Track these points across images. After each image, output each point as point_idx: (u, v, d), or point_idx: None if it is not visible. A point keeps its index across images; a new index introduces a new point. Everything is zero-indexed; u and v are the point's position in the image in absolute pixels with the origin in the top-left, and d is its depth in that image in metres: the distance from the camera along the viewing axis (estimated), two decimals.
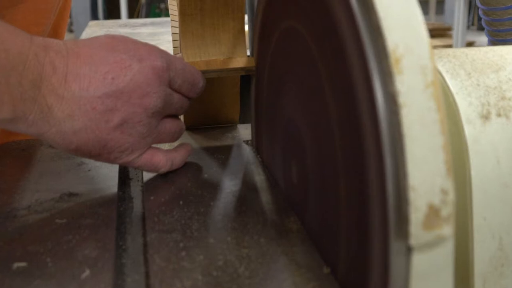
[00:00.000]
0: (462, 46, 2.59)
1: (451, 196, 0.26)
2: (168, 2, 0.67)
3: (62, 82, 0.42)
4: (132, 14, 5.15)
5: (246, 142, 0.61)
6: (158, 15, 4.71)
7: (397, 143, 0.27)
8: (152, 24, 1.61)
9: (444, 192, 0.26)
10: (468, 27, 3.57)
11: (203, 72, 0.54)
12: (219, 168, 0.54)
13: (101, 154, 0.46)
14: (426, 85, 0.27)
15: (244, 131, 0.65)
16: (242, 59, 0.57)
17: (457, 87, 0.38)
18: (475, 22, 4.01)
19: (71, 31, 4.88)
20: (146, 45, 0.47)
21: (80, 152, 0.45)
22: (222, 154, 0.57)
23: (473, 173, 0.36)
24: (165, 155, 0.50)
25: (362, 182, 0.30)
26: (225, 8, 0.56)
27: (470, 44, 3.00)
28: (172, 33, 0.67)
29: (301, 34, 0.40)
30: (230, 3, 0.56)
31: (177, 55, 0.56)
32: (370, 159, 0.29)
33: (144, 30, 1.47)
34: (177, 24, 0.64)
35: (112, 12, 4.93)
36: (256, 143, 0.58)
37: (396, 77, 0.27)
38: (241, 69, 0.56)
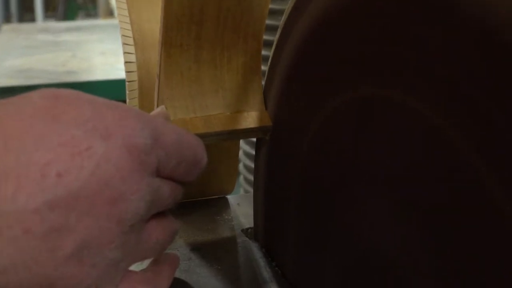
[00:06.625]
0: None
1: None
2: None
3: None
4: (48, 6, 4.78)
5: (246, 231, 0.42)
6: (77, 9, 4.38)
7: None
8: (78, 29, 1.36)
9: None
10: None
11: (201, 137, 0.33)
12: None
13: None
14: None
15: (239, 210, 0.45)
16: (257, 114, 0.37)
17: None
18: None
19: None
20: (113, 106, 0.26)
21: None
22: (219, 261, 0.37)
23: None
24: (145, 284, 0.29)
25: None
26: (234, 35, 0.36)
27: None
28: (125, 62, 0.44)
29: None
30: (242, 27, 0.36)
31: (157, 111, 0.35)
32: None
33: (68, 37, 1.21)
34: (131, 47, 0.43)
35: (26, 3, 4.53)
36: (267, 242, 0.38)
37: None
38: (258, 129, 0.37)
